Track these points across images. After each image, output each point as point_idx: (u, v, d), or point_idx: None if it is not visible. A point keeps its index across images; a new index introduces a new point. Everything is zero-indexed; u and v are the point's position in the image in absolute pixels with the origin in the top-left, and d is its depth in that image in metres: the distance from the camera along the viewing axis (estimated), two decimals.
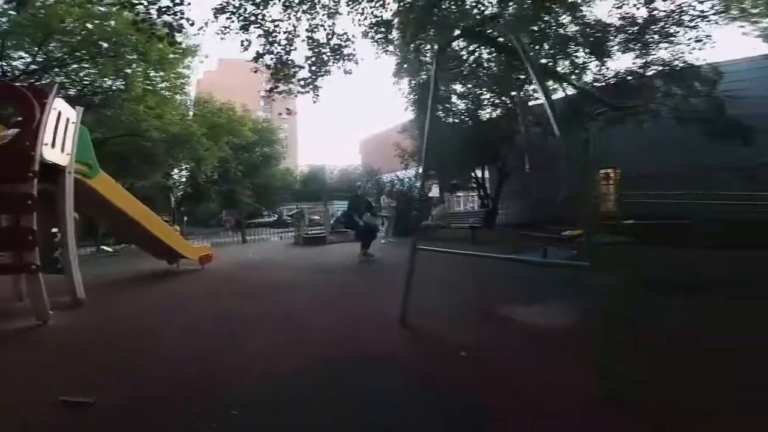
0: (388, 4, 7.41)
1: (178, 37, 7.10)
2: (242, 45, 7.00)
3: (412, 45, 8.02)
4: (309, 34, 7.21)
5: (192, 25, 6.55)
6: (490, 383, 1.94)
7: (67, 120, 4.20)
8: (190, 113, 19.17)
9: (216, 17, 6.85)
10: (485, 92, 12.18)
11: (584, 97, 6.56)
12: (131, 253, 9.09)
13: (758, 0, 9.83)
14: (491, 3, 7.86)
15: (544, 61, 10.15)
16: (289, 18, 7.09)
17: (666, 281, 3.62)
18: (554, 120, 2.14)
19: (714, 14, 8.99)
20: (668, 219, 5.76)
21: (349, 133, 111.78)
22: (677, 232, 5.38)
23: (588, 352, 2.19)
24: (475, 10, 7.57)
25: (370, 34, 7.54)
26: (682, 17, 9.04)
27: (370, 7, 7.40)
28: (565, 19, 9.83)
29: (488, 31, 4.10)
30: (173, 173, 23.45)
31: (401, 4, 7.39)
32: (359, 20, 7.56)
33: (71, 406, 1.80)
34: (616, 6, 9.40)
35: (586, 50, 10.03)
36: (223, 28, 6.93)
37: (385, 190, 11.87)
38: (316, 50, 7.26)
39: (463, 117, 13.09)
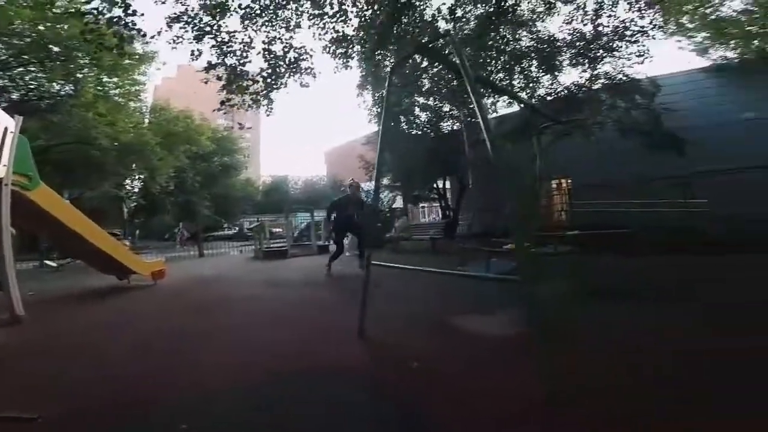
0: (350, 19, 7.61)
1: (136, 43, 7.00)
2: (192, 55, 6.97)
3: (372, 60, 8.26)
4: (266, 46, 7.26)
5: (144, 36, 6.48)
6: (438, 392, 2.07)
7: (5, 129, 4.05)
8: (146, 121, 18.59)
9: (170, 26, 6.82)
10: (446, 104, 12.70)
11: (532, 112, 7.05)
12: (78, 269, 8.64)
13: (695, 15, 10.92)
14: (446, 19, 8.35)
15: (501, 75, 10.81)
16: (246, 29, 7.15)
17: (604, 288, 3.91)
18: (488, 136, 2.33)
19: (653, 29, 9.82)
20: (613, 228, 6.23)
21: (315, 143, 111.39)
22: (619, 241, 5.85)
23: (526, 359, 2.29)
24: (432, 27, 7.98)
25: (330, 49, 7.68)
26: (625, 32, 9.83)
27: (332, 22, 7.56)
28: (521, 34, 10.53)
29: (439, 48, 4.34)
30: (125, 183, 22.49)
31: (362, 19, 7.63)
32: (320, 35, 7.70)
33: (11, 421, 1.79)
34: (566, 21, 10.10)
35: (540, 65, 10.76)
36: (175, 38, 6.90)
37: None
38: (273, 62, 7.32)
39: (426, 129, 13.53)
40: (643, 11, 9.49)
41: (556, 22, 10.49)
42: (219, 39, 6.92)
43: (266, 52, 7.28)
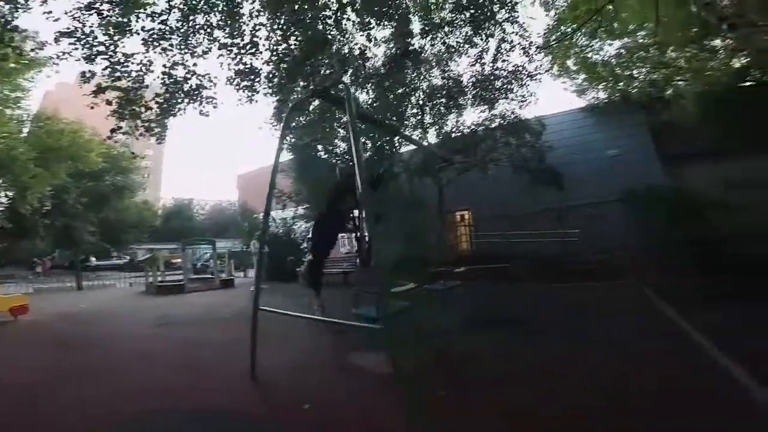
0: (260, 52, 7.70)
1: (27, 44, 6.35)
2: (84, 77, 6.53)
3: (281, 93, 8.37)
4: (167, 70, 7.08)
5: (20, 54, 5.96)
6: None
7: None
8: (25, 131, 16.45)
9: (58, 41, 6.36)
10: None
11: (427, 152, 7.82)
12: None
13: (578, 58, 12.75)
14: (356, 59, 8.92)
15: (415, 110, 11.67)
16: (148, 51, 6.92)
17: (479, 319, 4.53)
18: (359, 176, 2.64)
19: (540, 73, 11.27)
20: (504, 257, 7.00)
21: (228, 166, 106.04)
22: (498, 273, 6.64)
23: (403, 393, 2.53)
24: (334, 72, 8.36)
25: (234, 81, 7.67)
26: (518, 76, 11.16)
27: (242, 53, 7.54)
28: (433, 73, 11.47)
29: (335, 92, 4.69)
30: None
31: (274, 53, 7.77)
32: (229, 65, 7.61)
33: None
34: (471, 64, 11.24)
35: (447, 103, 11.79)
36: (61, 53, 6.43)
37: (255, 234, 11.57)
38: (172, 89, 7.14)
39: (345, 158, 13.88)
40: (532, 57, 10.92)
41: (462, 63, 11.34)
42: (113, 60, 6.59)
43: (166, 77, 7.08)
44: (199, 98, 7.26)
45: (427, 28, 9.62)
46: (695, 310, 4.16)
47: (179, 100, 7.22)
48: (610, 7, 9.05)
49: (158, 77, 7.12)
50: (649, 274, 5.94)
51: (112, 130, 7.18)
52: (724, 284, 4.66)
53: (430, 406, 2.44)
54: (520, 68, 11.07)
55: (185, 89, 7.19)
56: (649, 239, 5.85)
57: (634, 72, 12.41)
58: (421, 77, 11.42)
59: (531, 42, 10.21)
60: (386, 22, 8.98)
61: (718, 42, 9.76)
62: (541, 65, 11.45)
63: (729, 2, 8.59)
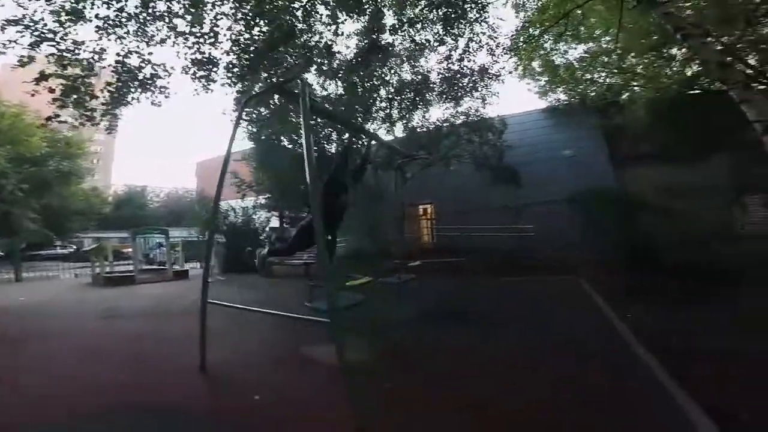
0: (220, 42, 7.52)
1: None
2: (19, 62, 6.18)
3: (242, 83, 8.24)
4: (120, 59, 6.82)
5: None
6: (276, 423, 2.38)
7: None
8: None
9: (3, 29, 6.02)
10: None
11: (386, 146, 7.99)
12: None
13: (544, 60, 13.14)
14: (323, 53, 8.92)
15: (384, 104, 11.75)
16: (101, 39, 6.63)
17: (429, 312, 4.81)
18: (310, 171, 2.73)
19: (501, 75, 11.58)
20: (461, 251, 7.29)
21: (186, 153, 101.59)
22: (457, 266, 6.93)
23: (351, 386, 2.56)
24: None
25: (191, 71, 7.47)
26: (484, 76, 11.47)
27: (201, 43, 7.32)
28: (404, 68, 11.58)
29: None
30: None
31: (235, 43, 7.62)
32: (186, 54, 7.39)
33: None
34: (438, 62, 11.41)
35: (414, 98, 11.96)
36: (8, 41, 6.08)
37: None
38: (125, 77, 6.91)
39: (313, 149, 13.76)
40: (498, 58, 11.25)
41: (431, 60, 11.45)
42: (60, 48, 6.27)
43: (119, 66, 6.83)
44: (152, 88, 7.06)
45: (397, 26, 9.70)
46: (620, 304, 4.61)
47: (132, 90, 7.01)
48: (579, 11, 9.48)
49: (110, 65, 6.89)
50: (590, 271, 6.47)
51: (48, 118, 6.91)
52: (651, 282, 5.15)
53: (375, 398, 2.58)
54: (486, 68, 11.38)
55: (139, 78, 6.98)
56: (593, 238, 6.30)
57: (595, 76, 12.93)
58: (392, 71, 11.54)
59: (498, 43, 10.50)
60: (357, 17, 9.00)
61: (675, 51, 10.24)
62: (504, 67, 11.76)
63: (691, 12, 9.19)
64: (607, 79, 12.86)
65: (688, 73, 10.82)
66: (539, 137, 14.54)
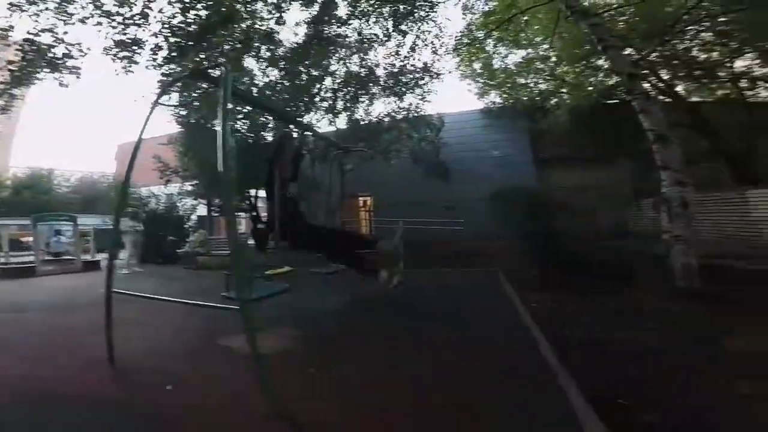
0: (149, 24, 7.13)
1: None
2: None
3: (170, 65, 7.85)
4: (30, 37, 6.26)
5: None
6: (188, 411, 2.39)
7: None
8: None
9: None
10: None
11: (325, 140, 8.09)
12: None
13: (485, 62, 13.75)
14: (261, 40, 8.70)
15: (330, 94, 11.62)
16: (11, 17, 6.08)
17: (352, 300, 5.04)
18: (223, 161, 2.74)
19: (441, 73, 11.94)
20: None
21: (105, 135, 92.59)
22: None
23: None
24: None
25: (112, 52, 7.01)
26: (426, 74, 11.78)
27: (126, 23, 6.93)
28: (351, 60, 11.53)
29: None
30: None
31: (165, 25, 7.23)
32: (108, 34, 6.94)
33: None
34: (385, 57, 11.54)
35: (358, 90, 11.99)
36: None
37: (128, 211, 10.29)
38: (30, 56, 6.33)
39: (248, 136, 13.25)
40: (441, 57, 11.65)
41: (379, 54, 11.54)
42: None
43: (27, 44, 6.27)
44: (62, 68, 6.53)
45: (347, 17, 9.74)
46: (527, 294, 5.15)
47: (38, 69, 6.46)
48: (525, 18, 10.05)
49: (15, 42, 6.39)
50: (507, 263, 7.10)
51: None
52: (555, 276, 5.81)
53: (297, 384, 2.71)
54: (429, 65, 11.76)
55: (48, 57, 6.45)
56: (512, 232, 6.89)
57: (528, 81, 13.82)
58: (340, 62, 11.48)
59: (443, 42, 10.90)
60: (306, 7, 8.91)
61: (601, 61, 11.05)
62: (445, 67, 12.27)
63: (624, 25, 10.07)
64: (539, 85, 13.85)
65: (609, 83, 11.91)
66: (474, 136, 15.36)
